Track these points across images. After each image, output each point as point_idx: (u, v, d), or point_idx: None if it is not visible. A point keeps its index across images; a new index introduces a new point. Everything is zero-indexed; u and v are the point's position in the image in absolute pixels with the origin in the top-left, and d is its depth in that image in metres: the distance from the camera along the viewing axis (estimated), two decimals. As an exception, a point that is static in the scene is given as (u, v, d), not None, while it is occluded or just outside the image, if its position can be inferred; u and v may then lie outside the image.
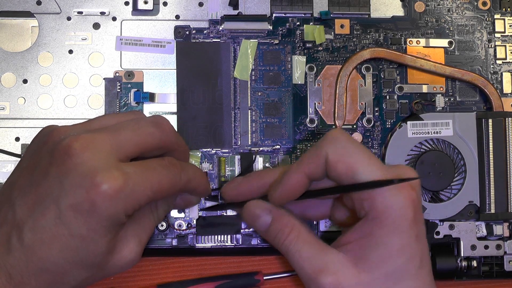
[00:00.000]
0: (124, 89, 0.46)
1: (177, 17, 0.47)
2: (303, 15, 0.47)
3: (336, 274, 0.35)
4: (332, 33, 0.47)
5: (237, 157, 0.46)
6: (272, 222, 0.38)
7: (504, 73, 0.48)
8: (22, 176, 0.36)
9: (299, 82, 0.47)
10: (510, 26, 0.48)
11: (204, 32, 0.47)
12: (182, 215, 0.45)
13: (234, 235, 0.45)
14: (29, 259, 0.34)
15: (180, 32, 0.47)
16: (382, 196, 0.35)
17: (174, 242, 0.45)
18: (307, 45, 0.47)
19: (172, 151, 0.38)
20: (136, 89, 0.46)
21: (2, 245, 0.34)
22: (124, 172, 0.34)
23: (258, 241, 0.46)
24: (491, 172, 0.45)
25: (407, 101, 0.47)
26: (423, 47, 0.48)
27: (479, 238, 0.46)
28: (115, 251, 0.36)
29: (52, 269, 0.34)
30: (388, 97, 0.47)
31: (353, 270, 0.35)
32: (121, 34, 0.46)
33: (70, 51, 0.46)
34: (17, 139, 0.45)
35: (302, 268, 0.37)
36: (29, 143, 0.45)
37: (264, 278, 0.45)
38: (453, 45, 0.48)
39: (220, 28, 0.47)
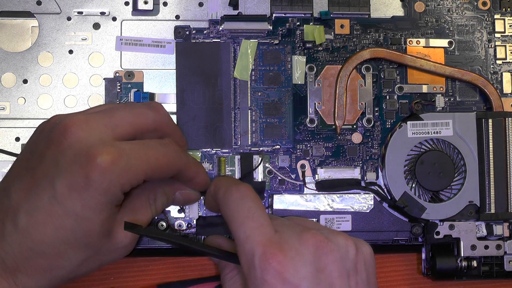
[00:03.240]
0: (124, 89, 0.46)
1: (177, 17, 0.47)
2: (303, 15, 0.47)
3: None
4: (332, 33, 0.47)
5: (237, 157, 0.46)
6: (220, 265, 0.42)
7: (504, 73, 0.48)
8: (19, 165, 0.36)
9: (299, 82, 0.47)
10: (510, 26, 0.48)
11: (204, 32, 0.47)
12: (182, 215, 0.45)
13: (234, 235, 0.45)
14: (23, 243, 0.34)
15: (180, 32, 0.47)
16: (248, 255, 0.35)
17: (174, 242, 0.45)
18: (307, 45, 0.47)
19: (168, 136, 0.39)
20: (136, 89, 0.46)
21: None
22: (119, 147, 0.34)
23: (258, 241, 0.46)
24: (491, 172, 0.45)
25: (407, 101, 0.47)
26: (423, 47, 0.48)
27: (479, 238, 0.46)
28: (111, 234, 0.36)
29: (47, 251, 0.34)
30: (388, 97, 0.47)
31: None
32: (121, 34, 0.47)
33: (70, 51, 0.46)
34: (17, 139, 0.45)
35: None
36: (29, 143, 0.45)
37: (264, 278, 0.45)
38: (453, 45, 0.48)
39: (220, 28, 0.47)
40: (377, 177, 0.46)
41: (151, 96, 0.46)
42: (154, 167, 0.36)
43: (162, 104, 0.39)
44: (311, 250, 0.35)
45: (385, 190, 0.46)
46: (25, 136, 0.45)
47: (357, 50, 0.47)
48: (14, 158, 0.44)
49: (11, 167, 0.38)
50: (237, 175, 0.46)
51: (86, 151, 0.33)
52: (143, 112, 0.37)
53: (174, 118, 0.46)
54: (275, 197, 0.45)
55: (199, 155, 0.46)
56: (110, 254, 0.37)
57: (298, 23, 0.47)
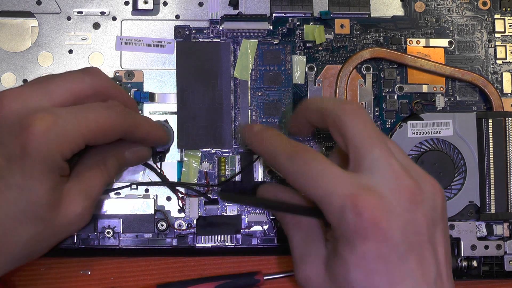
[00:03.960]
0: (124, 89, 0.46)
1: (177, 17, 0.47)
2: (303, 15, 0.47)
3: (310, 266, 0.36)
4: (332, 33, 0.47)
5: (237, 157, 0.46)
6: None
7: (504, 73, 0.48)
8: None
9: (299, 82, 0.47)
10: (510, 26, 0.48)
11: (204, 32, 0.47)
12: (182, 215, 0.45)
13: (234, 235, 0.45)
14: None
15: (180, 32, 0.47)
16: (336, 209, 0.33)
17: (174, 242, 0.45)
18: (307, 45, 0.47)
19: (113, 99, 0.38)
20: (136, 89, 0.46)
21: None
22: (54, 112, 0.33)
23: (258, 241, 0.46)
24: (491, 172, 0.45)
25: (407, 101, 0.47)
26: (423, 47, 0.48)
27: (479, 238, 0.46)
28: (61, 205, 0.35)
29: None
30: (388, 97, 0.47)
31: (324, 269, 0.36)
32: (121, 34, 0.46)
33: (70, 51, 0.46)
34: (17, 139, 0.45)
35: (291, 253, 0.39)
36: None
37: (264, 278, 0.45)
38: (453, 45, 0.48)
39: (220, 28, 0.47)
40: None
41: (151, 96, 0.46)
42: (94, 130, 0.35)
43: (99, 69, 0.38)
44: (405, 201, 0.34)
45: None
46: (25, 136, 0.45)
47: (357, 50, 0.47)
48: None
49: None
50: (237, 175, 0.46)
51: (20, 121, 0.33)
52: (79, 77, 0.36)
53: (174, 118, 0.46)
54: (275, 197, 0.45)
55: (199, 155, 0.46)
56: (65, 226, 0.36)
57: (298, 23, 0.47)
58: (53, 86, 0.35)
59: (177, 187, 0.44)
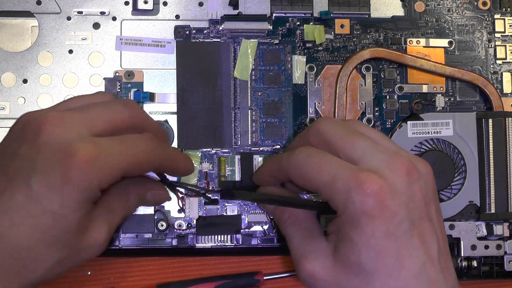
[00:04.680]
0: (124, 89, 0.46)
1: (177, 17, 0.47)
2: (303, 15, 0.47)
3: (314, 261, 0.37)
4: (332, 33, 0.47)
5: (237, 157, 0.46)
6: (275, 207, 0.41)
7: (504, 73, 0.48)
8: None
9: (299, 82, 0.47)
10: (510, 26, 0.48)
11: (204, 32, 0.47)
12: (182, 215, 0.45)
13: (234, 235, 0.45)
14: None
15: (180, 32, 0.47)
16: (342, 193, 0.34)
17: (174, 242, 0.45)
18: (307, 45, 0.47)
19: (147, 131, 0.38)
20: (136, 89, 0.46)
21: None
22: (97, 143, 0.33)
23: (258, 241, 0.46)
24: (491, 172, 0.45)
25: (407, 101, 0.47)
26: (423, 47, 0.48)
27: (479, 238, 0.46)
28: (87, 232, 0.35)
29: (22, 252, 0.33)
30: (388, 97, 0.47)
31: (331, 259, 0.36)
32: (121, 34, 0.46)
33: (70, 51, 0.46)
34: (17, 139, 0.45)
35: (291, 252, 0.39)
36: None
37: (264, 278, 0.45)
38: (453, 45, 0.48)
39: (220, 28, 0.47)
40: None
41: (151, 96, 0.46)
42: (133, 162, 0.35)
43: (136, 102, 0.39)
44: (404, 178, 0.35)
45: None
46: (25, 136, 0.45)
47: (357, 50, 0.47)
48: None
49: None
50: (237, 175, 0.46)
51: (64, 148, 0.33)
52: (118, 109, 0.37)
53: (174, 118, 0.46)
54: (275, 197, 0.45)
55: (199, 155, 0.46)
56: (85, 253, 0.36)
57: (298, 23, 0.47)
58: (93, 114, 0.35)
59: (177, 187, 0.44)
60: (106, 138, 0.35)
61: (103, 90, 0.46)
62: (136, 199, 0.40)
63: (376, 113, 0.47)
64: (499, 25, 0.48)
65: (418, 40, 0.48)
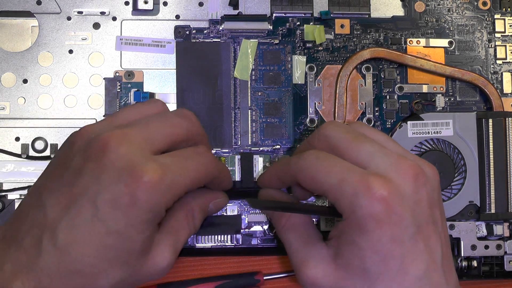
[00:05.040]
0: (124, 89, 0.46)
1: (177, 17, 0.47)
2: (303, 15, 0.47)
3: (315, 268, 0.36)
4: (332, 33, 0.47)
5: (237, 157, 0.46)
6: (272, 212, 0.41)
7: (504, 73, 0.48)
8: (52, 178, 0.35)
9: (299, 82, 0.47)
10: (510, 26, 0.48)
11: (204, 32, 0.47)
12: (182, 215, 0.45)
13: (234, 235, 0.45)
14: (61, 261, 0.33)
15: (180, 32, 0.47)
16: (349, 196, 0.34)
17: (174, 242, 0.45)
18: (307, 45, 0.47)
19: (199, 143, 0.38)
20: (136, 89, 0.46)
21: (33, 247, 0.33)
22: (162, 163, 0.34)
23: (258, 241, 0.46)
24: (491, 172, 0.45)
25: (407, 101, 0.47)
26: (423, 47, 0.48)
27: (479, 238, 0.46)
28: (149, 255, 0.35)
29: (85, 270, 0.33)
30: (388, 97, 0.47)
31: (332, 265, 0.36)
32: (121, 34, 0.46)
33: (70, 51, 0.46)
34: (17, 139, 0.45)
35: (291, 258, 0.39)
36: (29, 143, 0.45)
37: (264, 278, 0.45)
38: (453, 45, 0.48)
39: (220, 28, 0.47)
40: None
41: (151, 96, 0.46)
42: (195, 178, 0.35)
43: (191, 111, 0.38)
44: (411, 182, 0.35)
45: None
46: (25, 136, 0.45)
47: (357, 50, 0.47)
48: (14, 158, 0.45)
49: (40, 178, 0.36)
50: (237, 175, 0.46)
51: (130, 168, 0.32)
52: (176, 122, 0.37)
53: (174, 118, 0.46)
54: (275, 197, 0.45)
55: (199, 155, 0.46)
56: (149, 275, 0.36)
57: (298, 23, 0.47)
58: (153, 130, 0.35)
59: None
60: (168, 156, 0.35)
61: (104, 90, 0.46)
62: (201, 214, 0.40)
63: (376, 113, 0.47)
64: (499, 25, 0.48)
65: (418, 40, 0.48)
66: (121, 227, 0.33)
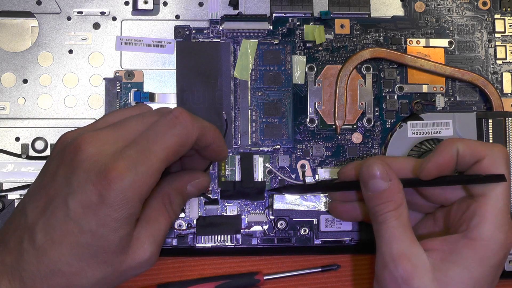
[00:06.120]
0: (124, 89, 0.46)
1: (177, 17, 0.47)
2: (303, 15, 0.47)
3: (415, 267, 0.36)
4: (332, 33, 0.47)
5: (237, 157, 0.46)
6: (385, 190, 0.38)
7: (504, 73, 0.48)
8: (35, 185, 0.37)
9: (299, 82, 0.47)
10: (510, 26, 0.48)
11: (204, 32, 0.47)
12: (182, 215, 0.45)
13: (234, 235, 0.45)
14: (40, 261, 0.34)
15: (180, 32, 0.47)
16: (490, 225, 0.36)
17: (174, 242, 0.45)
18: (307, 45, 0.47)
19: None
20: (136, 89, 0.46)
21: (15, 249, 0.34)
22: (127, 156, 0.33)
23: (258, 241, 0.46)
24: (491, 172, 0.45)
25: (407, 101, 0.47)
26: (423, 47, 0.48)
27: (479, 238, 0.46)
28: (129, 250, 0.35)
29: (64, 269, 0.34)
30: (388, 97, 0.47)
31: (429, 274, 0.36)
32: (121, 34, 0.47)
33: (70, 51, 0.46)
34: (17, 139, 0.45)
35: (389, 245, 0.37)
36: (29, 143, 0.45)
37: (264, 278, 0.45)
38: (453, 45, 0.48)
39: (220, 28, 0.47)
40: (377, 177, 0.46)
41: (151, 96, 0.46)
42: (165, 158, 0.35)
43: (175, 108, 0.36)
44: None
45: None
46: (25, 136, 0.45)
47: (357, 50, 0.47)
48: (14, 158, 0.45)
49: (29, 188, 0.37)
50: (237, 175, 0.46)
51: (98, 168, 0.33)
52: (153, 119, 0.36)
53: (174, 118, 0.45)
54: (275, 197, 0.45)
55: (199, 155, 0.46)
56: (132, 270, 0.36)
57: (298, 23, 0.47)
58: (127, 129, 0.35)
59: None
60: (134, 146, 0.34)
61: (103, 91, 0.46)
62: (179, 199, 0.39)
63: (376, 113, 0.47)
64: (499, 25, 0.48)
65: (418, 40, 0.48)
66: (93, 226, 0.33)
